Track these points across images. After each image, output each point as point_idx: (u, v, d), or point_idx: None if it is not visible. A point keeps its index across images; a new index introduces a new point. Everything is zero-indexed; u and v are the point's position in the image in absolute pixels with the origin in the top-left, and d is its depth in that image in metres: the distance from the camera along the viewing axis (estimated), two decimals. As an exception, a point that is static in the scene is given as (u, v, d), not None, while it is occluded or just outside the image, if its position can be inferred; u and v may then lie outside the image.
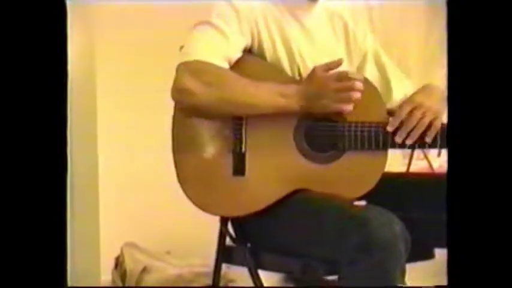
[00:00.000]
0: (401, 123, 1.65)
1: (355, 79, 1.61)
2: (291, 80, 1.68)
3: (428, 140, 1.65)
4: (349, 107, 1.62)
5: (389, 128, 1.65)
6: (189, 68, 1.61)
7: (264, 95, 1.62)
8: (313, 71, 1.65)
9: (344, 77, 1.61)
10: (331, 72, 1.63)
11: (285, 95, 1.62)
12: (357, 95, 1.61)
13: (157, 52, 2.59)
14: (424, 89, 1.72)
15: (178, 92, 1.62)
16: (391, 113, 1.70)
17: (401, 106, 1.68)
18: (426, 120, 1.64)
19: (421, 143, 1.65)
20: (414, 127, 1.64)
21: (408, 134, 1.64)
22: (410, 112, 1.65)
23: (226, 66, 1.64)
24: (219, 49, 1.64)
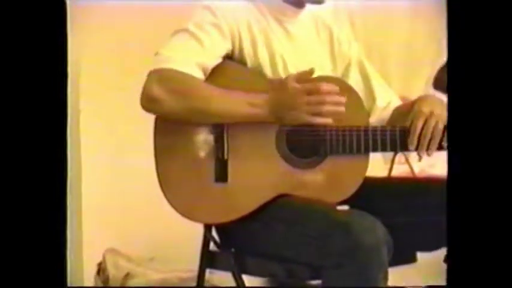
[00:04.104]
0: (419, 137, 1.66)
1: (328, 92, 1.61)
2: (268, 87, 1.67)
3: (445, 144, 1.66)
4: (321, 120, 1.62)
5: (411, 147, 1.66)
6: (158, 76, 1.62)
7: (233, 104, 1.63)
8: (284, 81, 1.65)
9: (315, 90, 1.61)
10: (303, 84, 1.62)
11: (254, 104, 1.63)
12: (338, 109, 1.61)
13: (146, 54, 2.59)
14: (425, 99, 1.72)
15: (145, 100, 1.63)
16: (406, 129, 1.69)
17: (413, 122, 1.67)
18: (441, 127, 1.65)
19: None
20: (432, 137, 1.65)
21: (428, 145, 1.66)
22: (424, 124, 1.66)
23: (199, 74, 1.65)
24: (193, 57, 1.64)
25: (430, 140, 1.65)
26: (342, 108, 1.62)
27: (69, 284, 1.38)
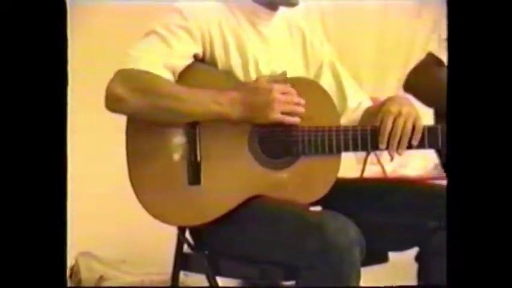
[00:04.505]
0: (389, 137, 1.67)
1: (295, 93, 1.64)
2: (236, 87, 1.68)
3: (415, 143, 1.67)
4: (292, 120, 1.64)
5: (382, 146, 1.66)
6: (123, 75, 1.62)
7: (199, 102, 1.63)
8: (257, 81, 1.66)
9: (288, 91, 1.64)
10: (277, 84, 1.64)
11: (220, 103, 1.63)
12: (299, 110, 1.64)
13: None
14: (393, 99, 1.74)
15: (108, 99, 1.63)
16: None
17: (382, 121, 1.68)
18: (409, 126, 1.66)
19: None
20: (402, 135, 1.66)
21: (398, 144, 1.67)
22: (393, 123, 1.67)
23: (167, 74, 1.65)
24: (159, 57, 1.64)
25: (400, 139, 1.67)
26: (303, 109, 1.65)
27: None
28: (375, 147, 1.69)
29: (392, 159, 1.70)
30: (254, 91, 1.64)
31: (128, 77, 1.61)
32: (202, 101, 1.63)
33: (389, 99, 1.73)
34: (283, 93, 1.64)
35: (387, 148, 1.67)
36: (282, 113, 1.64)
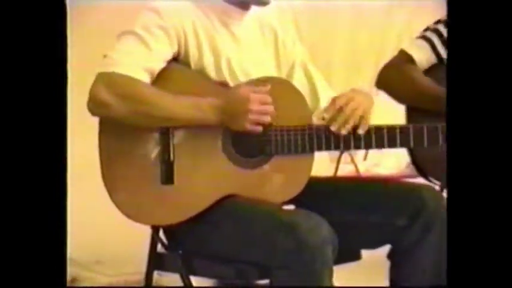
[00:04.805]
0: (337, 113, 1.67)
1: (270, 103, 1.65)
2: (214, 91, 1.69)
3: (361, 131, 1.68)
4: (259, 128, 1.65)
5: (326, 115, 1.67)
6: (105, 80, 1.62)
7: (181, 108, 1.64)
8: (237, 89, 1.67)
9: (265, 101, 1.64)
10: (256, 94, 1.64)
11: (202, 109, 1.64)
12: (269, 120, 1.65)
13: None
14: (355, 89, 1.76)
15: (93, 104, 1.63)
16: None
17: (336, 98, 1.70)
18: (358, 112, 1.68)
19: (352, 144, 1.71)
20: (349, 117, 1.67)
21: (343, 124, 1.67)
22: (346, 104, 1.68)
23: (146, 77, 1.65)
24: (139, 61, 1.64)
25: (346, 120, 1.67)
26: (269, 119, 1.65)
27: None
28: (348, 146, 1.71)
29: (342, 152, 1.69)
30: (232, 99, 1.65)
31: (111, 83, 1.61)
32: (185, 108, 1.64)
33: (350, 90, 1.75)
34: (259, 102, 1.64)
35: (330, 123, 1.67)
36: (254, 123, 1.64)
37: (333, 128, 1.68)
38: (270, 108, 1.65)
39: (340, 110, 1.67)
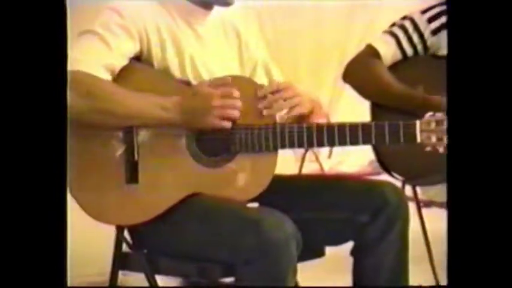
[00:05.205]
0: (275, 93, 1.68)
1: (236, 97, 1.65)
2: (177, 90, 1.69)
3: (285, 115, 1.70)
4: (228, 124, 1.66)
5: (260, 94, 1.67)
6: (68, 79, 1.61)
7: (144, 107, 1.64)
8: (198, 86, 1.68)
9: (228, 94, 1.65)
10: (217, 89, 1.65)
11: (166, 108, 1.64)
12: (237, 114, 1.66)
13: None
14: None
15: None
16: None
17: (275, 82, 1.73)
18: (295, 101, 1.69)
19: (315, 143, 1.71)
20: (281, 100, 1.68)
21: (276, 102, 1.68)
22: (283, 88, 1.69)
23: (107, 76, 1.65)
24: (100, 58, 1.64)
25: (278, 102, 1.67)
26: (238, 113, 1.66)
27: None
28: (311, 144, 1.72)
29: (306, 150, 1.70)
30: (195, 97, 1.66)
31: (73, 81, 1.60)
32: (148, 106, 1.64)
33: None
34: (223, 97, 1.65)
35: (262, 98, 1.68)
36: (220, 118, 1.65)
37: (260, 106, 1.68)
38: (235, 101, 1.66)
39: (273, 92, 1.68)
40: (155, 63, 1.72)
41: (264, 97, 1.68)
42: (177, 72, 1.73)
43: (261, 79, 1.87)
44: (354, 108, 2.38)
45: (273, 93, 1.68)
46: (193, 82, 1.73)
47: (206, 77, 1.74)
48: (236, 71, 1.83)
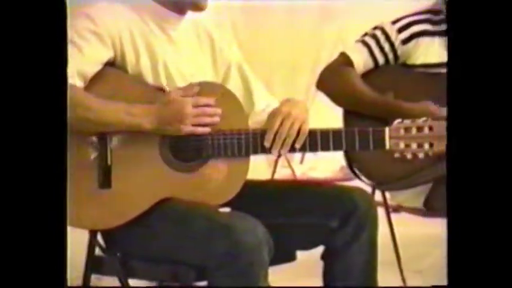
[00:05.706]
0: (275, 136, 1.71)
1: (209, 105, 1.68)
2: (150, 96, 1.70)
3: (297, 145, 1.71)
4: (202, 130, 1.68)
5: (267, 143, 1.70)
6: None
7: (112, 113, 1.65)
8: (169, 94, 1.69)
9: (200, 102, 1.67)
10: (188, 97, 1.67)
11: (133, 114, 1.65)
12: (214, 120, 1.68)
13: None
14: (287, 101, 1.78)
15: None
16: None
17: (271, 119, 1.73)
18: (296, 128, 1.71)
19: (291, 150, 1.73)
20: (286, 136, 1.70)
21: (282, 144, 1.71)
22: (281, 123, 1.71)
23: (79, 82, 1.66)
24: (71, 65, 1.64)
25: (284, 140, 1.70)
26: (218, 119, 1.68)
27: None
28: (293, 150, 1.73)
29: (279, 156, 1.72)
30: (167, 104, 1.67)
31: None
32: (116, 113, 1.65)
33: (285, 101, 1.78)
34: (196, 106, 1.67)
35: (271, 146, 1.71)
36: (194, 125, 1.67)
37: (275, 153, 1.71)
38: (210, 109, 1.68)
39: (277, 133, 1.70)
40: (129, 69, 1.73)
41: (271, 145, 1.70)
42: (150, 78, 1.74)
43: (234, 81, 1.88)
44: (326, 115, 2.40)
45: (276, 133, 1.70)
46: (167, 88, 1.74)
47: (180, 81, 1.76)
48: (210, 75, 1.84)
